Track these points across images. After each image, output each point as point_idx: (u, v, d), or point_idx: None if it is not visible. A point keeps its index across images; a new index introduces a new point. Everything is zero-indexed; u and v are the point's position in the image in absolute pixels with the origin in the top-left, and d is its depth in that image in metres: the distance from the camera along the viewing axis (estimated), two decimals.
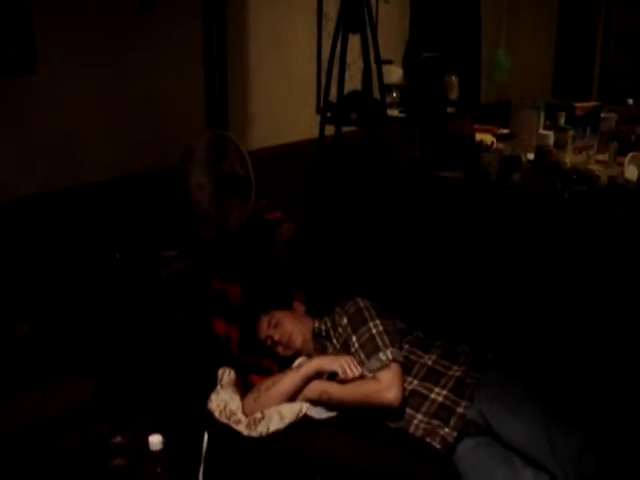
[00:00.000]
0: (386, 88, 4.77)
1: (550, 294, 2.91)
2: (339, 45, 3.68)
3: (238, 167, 3.12)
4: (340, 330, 2.71)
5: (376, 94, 3.86)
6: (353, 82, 4.37)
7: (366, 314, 2.66)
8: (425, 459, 2.42)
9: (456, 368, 2.62)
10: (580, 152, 3.67)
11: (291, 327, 2.80)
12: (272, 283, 3.04)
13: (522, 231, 3.02)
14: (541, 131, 3.73)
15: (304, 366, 2.60)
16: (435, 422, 2.51)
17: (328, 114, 3.73)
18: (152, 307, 2.87)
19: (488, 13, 6.25)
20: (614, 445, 2.39)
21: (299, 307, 2.94)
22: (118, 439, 2.30)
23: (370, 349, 2.56)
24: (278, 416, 2.50)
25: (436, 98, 3.96)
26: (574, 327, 2.79)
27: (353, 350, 2.61)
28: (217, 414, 2.52)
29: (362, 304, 2.71)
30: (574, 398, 2.57)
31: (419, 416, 2.53)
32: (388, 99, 4.95)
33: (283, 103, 4.23)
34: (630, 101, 4.29)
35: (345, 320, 2.70)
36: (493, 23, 6.42)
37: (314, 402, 2.58)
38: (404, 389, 2.52)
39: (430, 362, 2.64)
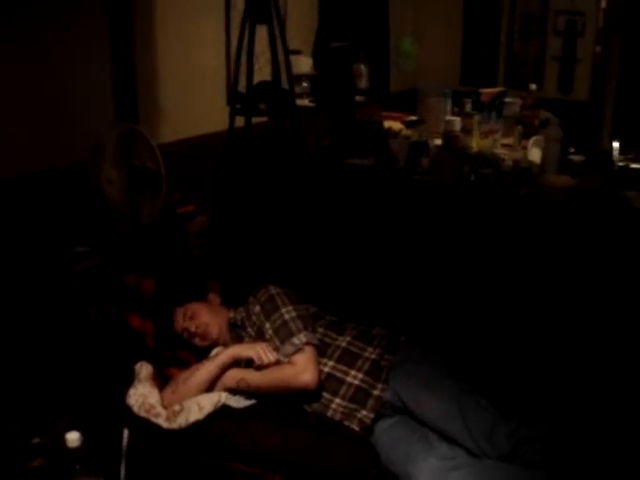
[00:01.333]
0: (296, 78, 4.80)
1: (458, 274, 2.99)
2: (247, 36, 3.69)
3: (148, 161, 3.10)
4: (254, 318, 2.73)
5: (286, 84, 3.88)
6: (263, 73, 4.38)
7: (278, 300, 2.70)
8: (344, 441, 2.47)
9: (371, 350, 2.67)
10: (486, 136, 3.77)
11: (207, 318, 2.81)
12: (185, 276, 3.04)
13: (430, 214, 3.10)
14: (448, 117, 3.81)
15: (220, 355, 2.62)
16: (352, 406, 2.56)
17: (237, 105, 3.74)
18: (66, 304, 2.83)
19: (396, 2, 6.33)
20: (529, 418, 2.47)
21: (214, 298, 2.95)
22: (37, 440, 2.27)
23: (284, 334, 2.59)
24: (197, 407, 2.51)
25: (345, 87, 4.00)
26: (482, 305, 2.87)
27: (267, 337, 2.64)
28: (136, 409, 2.51)
29: (274, 291, 2.74)
30: (486, 374, 2.65)
31: (337, 400, 2.57)
32: (298, 89, 4.98)
33: (194, 96, 4.21)
34: (533, 87, 4.41)
35: (258, 308, 2.72)
36: (401, 12, 6.50)
37: (233, 391, 2.60)
38: (320, 371, 2.56)
39: (344, 344, 2.68)
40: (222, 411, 2.52)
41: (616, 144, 3.70)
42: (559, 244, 2.91)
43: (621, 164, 3.52)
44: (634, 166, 3.46)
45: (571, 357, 2.68)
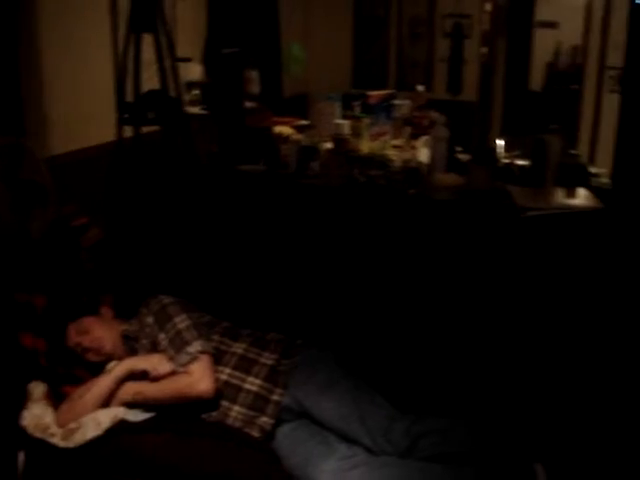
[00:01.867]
0: (187, 86, 4.78)
1: (349, 274, 3.03)
2: (132, 45, 3.65)
3: (35, 174, 3.03)
4: (148, 329, 2.70)
5: (175, 93, 3.86)
6: (154, 82, 4.34)
7: (171, 310, 2.67)
8: (244, 448, 2.47)
9: (267, 355, 2.67)
10: (376, 139, 3.83)
11: (100, 332, 2.76)
12: (77, 290, 2.98)
13: (320, 217, 3.13)
14: (337, 121, 3.85)
15: (115, 369, 2.58)
16: (252, 412, 2.56)
17: (126, 115, 3.69)
18: None
19: (286, 7, 6.36)
20: (424, 412, 2.53)
21: (107, 312, 2.90)
22: None
23: (178, 344, 2.57)
24: (94, 423, 2.47)
25: (234, 93, 4.00)
26: (374, 305, 2.92)
27: (162, 347, 2.62)
28: (31, 430, 2.45)
29: (166, 301, 2.72)
30: (382, 371, 2.70)
31: (236, 407, 2.57)
32: (190, 97, 4.96)
33: (84, 106, 4.14)
34: (420, 88, 4.51)
35: (151, 319, 2.70)
36: (291, 17, 6.54)
37: (130, 405, 2.56)
38: (217, 379, 2.55)
39: (241, 350, 2.68)
40: (120, 426, 2.49)
41: (501, 142, 3.82)
42: (446, 241, 2.98)
43: (506, 161, 3.63)
44: (518, 162, 3.58)
45: (462, 351, 2.75)
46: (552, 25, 10.22)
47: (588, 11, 6.84)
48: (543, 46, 10.35)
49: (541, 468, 2.35)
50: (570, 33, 8.83)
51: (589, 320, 2.86)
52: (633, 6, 3.28)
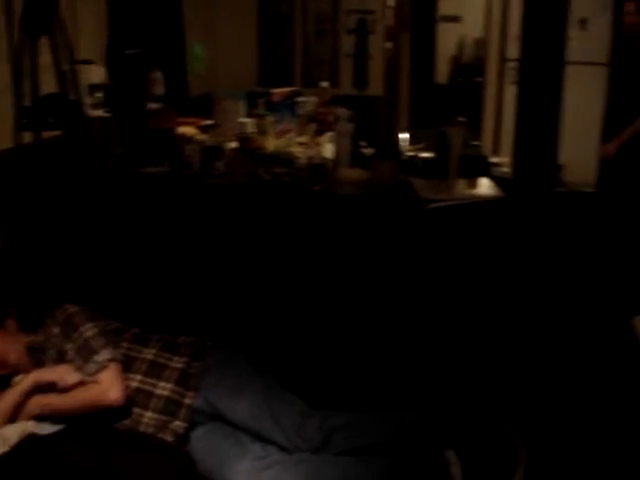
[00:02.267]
0: (90, 88, 4.67)
1: (258, 274, 3.03)
2: (29, 48, 3.54)
3: None
4: (54, 340, 2.65)
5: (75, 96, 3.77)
6: (53, 85, 4.24)
7: (76, 319, 2.63)
8: (158, 454, 2.44)
9: (177, 359, 2.66)
10: (281, 136, 3.82)
11: (2, 346, 2.70)
12: None
13: (226, 217, 3.11)
14: (242, 119, 3.84)
15: (21, 382, 2.52)
16: (164, 417, 2.54)
17: (25, 120, 3.59)
18: None
19: (190, 7, 6.30)
20: (336, 407, 2.55)
21: (10, 324, 2.83)
22: None
23: (86, 353, 2.53)
24: (0, 440, 2.41)
25: (137, 95, 3.95)
26: (284, 303, 2.93)
27: (69, 357, 2.57)
28: None
29: (71, 310, 2.67)
30: (293, 369, 2.71)
31: (148, 414, 2.55)
32: (92, 99, 4.85)
33: None
34: (324, 84, 4.53)
35: (57, 329, 2.64)
36: (195, 15, 6.49)
37: (40, 418, 2.51)
38: (128, 387, 2.52)
39: (151, 356, 2.65)
40: (29, 441, 2.43)
41: (405, 135, 3.87)
42: (351, 236, 3.01)
43: (411, 154, 3.68)
44: (423, 155, 3.63)
45: (369, 345, 2.78)
46: (455, 19, 10.40)
47: (488, 4, 6.97)
48: (447, 40, 10.53)
49: (453, 455, 2.39)
50: (473, 26, 9.00)
51: (497, 307, 2.93)
52: None
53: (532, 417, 2.64)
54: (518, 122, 3.41)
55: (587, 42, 6.01)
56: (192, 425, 2.56)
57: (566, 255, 3.04)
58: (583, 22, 6.08)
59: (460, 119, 3.53)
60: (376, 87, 7.02)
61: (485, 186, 3.22)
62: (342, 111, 3.63)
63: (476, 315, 2.89)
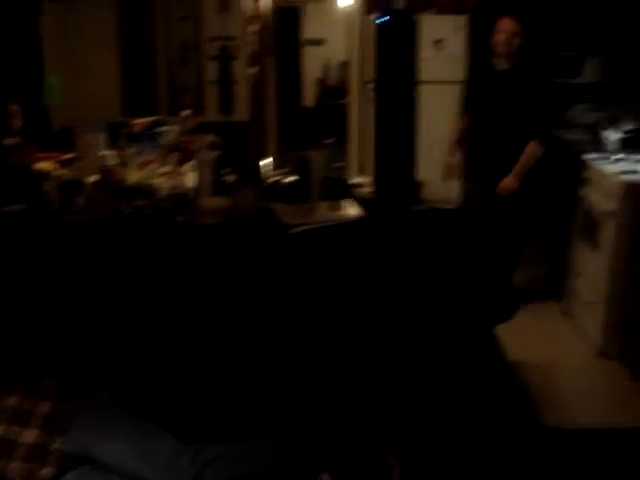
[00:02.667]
0: None
1: (124, 311, 2.98)
2: None
3: None
4: None
5: None
6: None
7: None
8: None
9: (43, 404, 2.59)
10: (143, 167, 3.77)
11: None
12: None
13: (87, 253, 3.05)
14: (103, 152, 3.77)
15: None
16: (31, 465, 2.46)
17: None
18: None
19: (49, 37, 6.19)
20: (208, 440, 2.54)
21: None
22: None
23: None
24: None
25: None
26: (147, 337, 2.89)
27: None
28: None
29: None
30: (164, 405, 2.68)
31: (13, 463, 2.47)
32: None
33: None
34: (186, 112, 4.50)
35: None
36: (55, 47, 6.38)
37: None
38: None
39: (13, 402, 2.57)
40: None
41: (268, 160, 3.90)
42: (214, 266, 3.00)
43: (275, 179, 3.71)
44: (287, 180, 3.66)
45: (239, 374, 2.78)
46: (319, 42, 10.63)
47: (349, 27, 7.12)
48: (313, 63, 10.73)
49: (328, 477, 2.42)
50: (336, 49, 9.20)
51: (362, 328, 2.98)
52: (376, 25, 3.48)
53: (404, 433, 2.70)
54: (376, 142, 3.52)
55: (442, 62, 6.26)
56: (62, 470, 2.49)
57: (428, 269, 3.13)
58: (438, 42, 6.32)
59: (328, 141, 3.60)
60: (242, 112, 7.07)
61: (346, 207, 3.29)
62: (204, 139, 3.64)
63: (343, 335, 2.93)
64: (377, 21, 4.32)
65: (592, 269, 4.27)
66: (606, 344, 4.07)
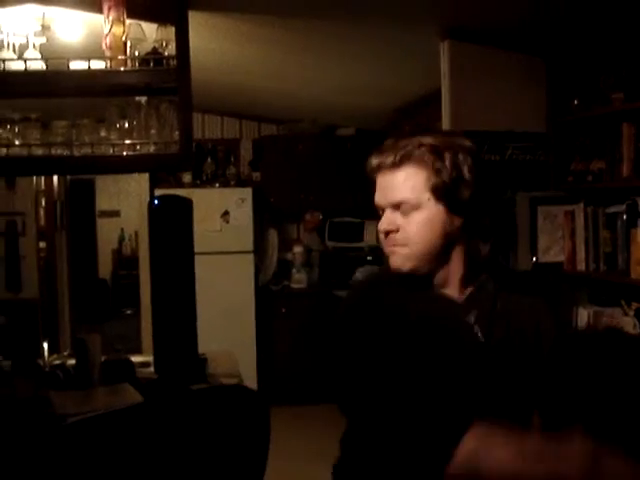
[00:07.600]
0: None
1: None
2: None
3: None
4: None
5: None
6: None
7: None
8: None
9: None
10: None
11: None
12: None
13: None
14: None
15: None
16: None
17: None
18: None
19: None
20: None
21: None
22: None
23: None
24: None
25: None
26: None
27: None
28: None
29: None
30: None
31: None
32: None
33: None
34: None
35: None
36: None
37: None
38: None
39: None
40: None
41: (46, 344, 3.78)
42: None
43: (57, 362, 3.60)
44: (69, 363, 3.55)
45: None
46: (114, 214, 10.70)
47: (140, 199, 7.21)
48: (108, 234, 10.75)
49: None
50: (130, 220, 9.30)
51: None
52: (150, 207, 3.56)
53: None
54: (153, 319, 3.51)
55: (231, 233, 6.48)
56: None
57: (207, 449, 3.10)
58: (226, 214, 6.56)
59: (128, 312, 3.57)
60: (33, 289, 6.89)
61: (125, 392, 3.21)
62: None
63: None
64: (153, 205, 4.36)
65: None
66: None
